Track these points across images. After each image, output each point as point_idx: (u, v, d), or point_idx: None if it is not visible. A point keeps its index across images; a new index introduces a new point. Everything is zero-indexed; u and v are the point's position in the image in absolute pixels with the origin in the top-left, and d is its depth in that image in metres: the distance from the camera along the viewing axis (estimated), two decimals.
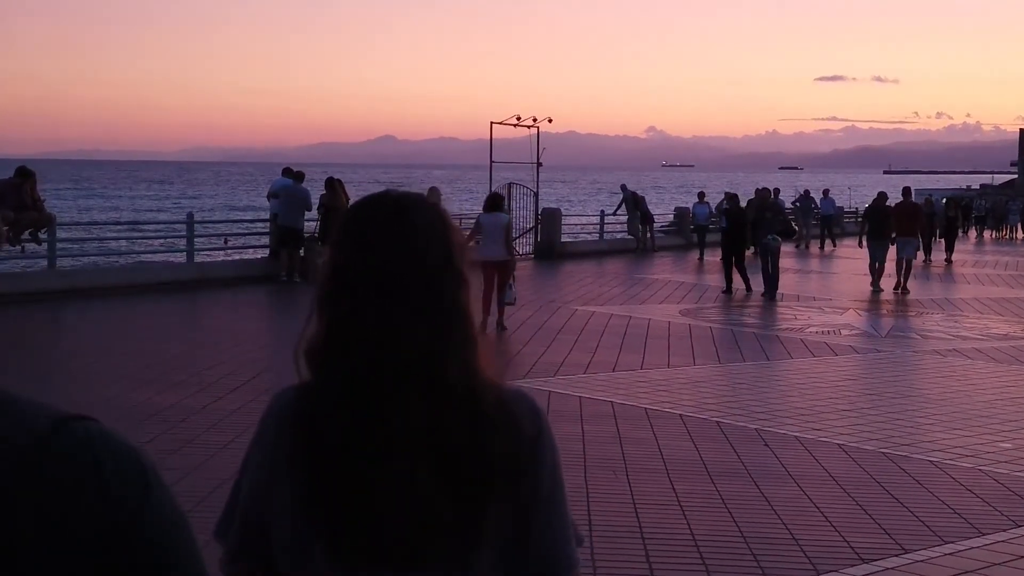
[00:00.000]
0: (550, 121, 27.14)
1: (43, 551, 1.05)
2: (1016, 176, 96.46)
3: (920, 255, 22.13)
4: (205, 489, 6.56)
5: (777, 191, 28.66)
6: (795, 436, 8.83)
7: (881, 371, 12.34)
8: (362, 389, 1.66)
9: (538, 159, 27.22)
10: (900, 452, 8.40)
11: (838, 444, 8.59)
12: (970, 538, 6.37)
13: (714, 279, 22.45)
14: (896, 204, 21.60)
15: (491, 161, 26.54)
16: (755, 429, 9.05)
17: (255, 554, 1.75)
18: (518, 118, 26.80)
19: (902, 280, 21.01)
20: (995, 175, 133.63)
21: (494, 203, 15.01)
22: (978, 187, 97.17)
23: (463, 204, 55.38)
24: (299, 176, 20.78)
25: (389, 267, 1.69)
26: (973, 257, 31.83)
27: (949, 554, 6.06)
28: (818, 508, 6.86)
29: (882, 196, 21.80)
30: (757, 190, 23.00)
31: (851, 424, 9.32)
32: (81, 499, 1.07)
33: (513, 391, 1.78)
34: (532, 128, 27.15)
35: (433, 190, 16.08)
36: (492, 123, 26.43)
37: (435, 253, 1.72)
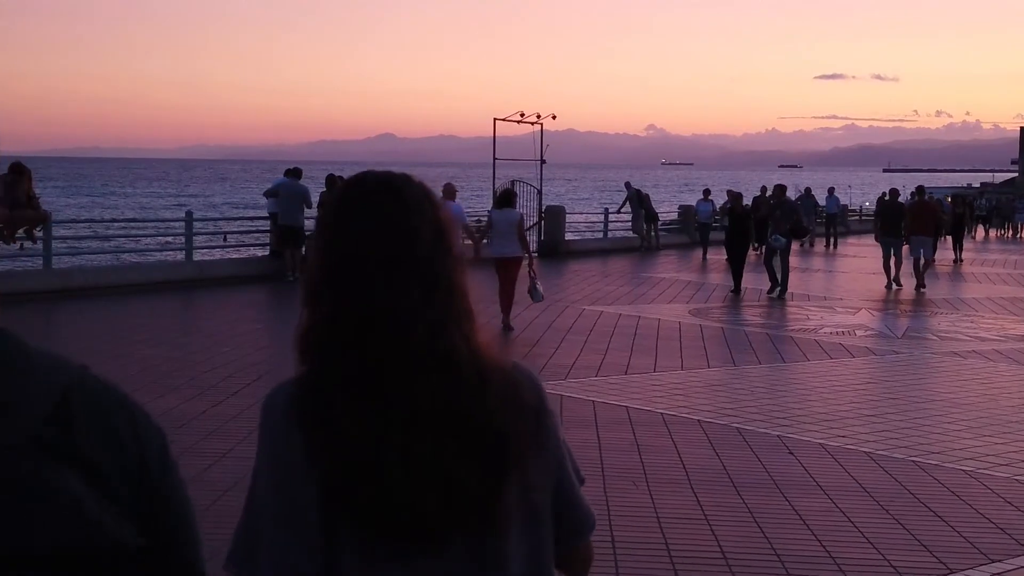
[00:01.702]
0: (554, 118, 26.81)
1: (85, 481, 1.17)
2: (1017, 174, 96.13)
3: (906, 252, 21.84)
4: (205, 501, 6.21)
5: (784, 188, 28.26)
6: (819, 443, 8.46)
7: (901, 374, 11.97)
8: (378, 372, 1.64)
9: (542, 156, 26.86)
10: (930, 460, 8.03)
11: (865, 452, 8.22)
12: (1016, 556, 6.00)
13: (720, 278, 22.11)
14: (911, 203, 21.27)
15: (494, 158, 26.17)
16: (777, 436, 8.69)
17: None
18: (522, 114, 26.44)
19: (918, 278, 21.01)
20: (996, 173, 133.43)
21: (505, 199, 14.70)
22: (978, 185, 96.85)
23: (468, 202, 55.04)
24: (296, 173, 20.46)
25: (388, 247, 1.68)
26: (981, 256, 31.47)
27: (997, 574, 5.70)
28: (852, 522, 6.49)
29: (895, 193, 21.50)
30: (775, 186, 22.50)
31: (877, 430, 8.94)
32: (116, 426, 1.23)
33: (511, 363, 1.77)
34: (535, 125, 26.82)
35: (448, 186, 15.68)
36: (496, 120, 26.07)
37: (427, 230, 1.71)
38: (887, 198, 21.67)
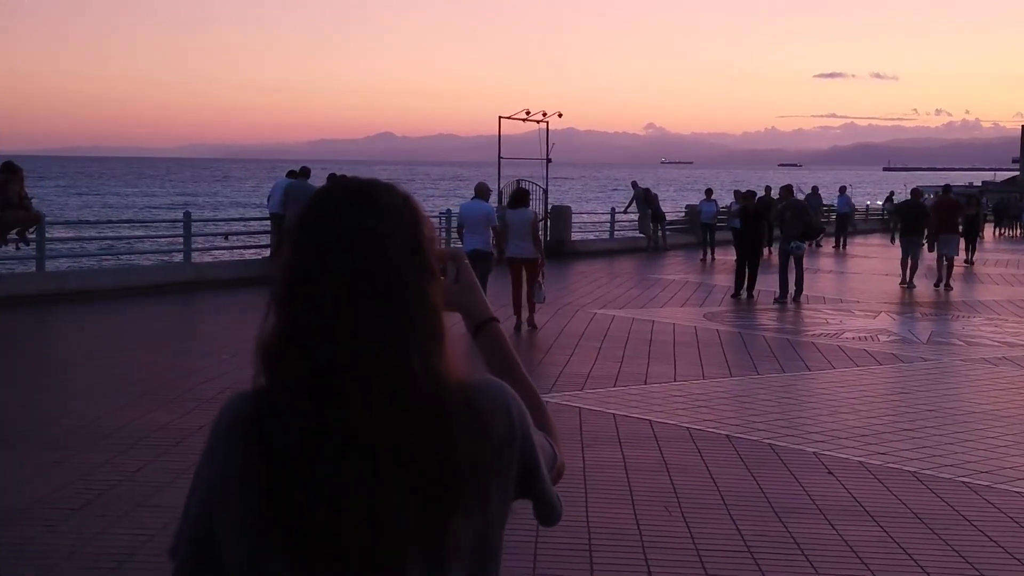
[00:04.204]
0: (560, 116, 26.29)
1: None
2: (1018, 173, 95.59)
3: (925, 252, 21.61)
4: None
5: (791, 188, 27.69)
6: (859, 461, 7.92)
7: (934, 383, 11.40)
8: (321, 388, 1.54)
9: (547, 155, 26.33)
10: (980, 481, 7.49)
11: (910, 471, 7.68)
12: None
13: (729, 279, 21.53)
14: (936, 201, 20.89)
15: (499, 157, 25.62)
16: (813, 453, 8.15)
17: (206, 571, 1.64)
18: (527, 113, 25.91)
19: (944, 277, 20.87)
20: (997, 172, 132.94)
21: (519, 199, 14.39)
22: (980, 184, 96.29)
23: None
24: (304, 173, 19.84)
25: (353, 258, 1.58)
26: (993, 256, 30.85)
27: None
28: (908, 554, 5.95)
29: (915, 193, 21.08)
30: (781, 187, 21.94)
31: (918, 447, 8.40)
32: None
33: (481, 385, 1.65)
34: (541, 123, 26.30)
35: (481, 185, 15.10)
36: (500, 118, 25.54)
37: (401, 242, 1.61)
38: (907, 198, 21.20)
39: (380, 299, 1.57)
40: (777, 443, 8.40)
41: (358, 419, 1.53)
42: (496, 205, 16.43)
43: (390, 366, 1.55)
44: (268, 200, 21.02)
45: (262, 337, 1.61)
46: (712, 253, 27.18)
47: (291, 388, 1.56)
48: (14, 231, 15.74)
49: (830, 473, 7.58)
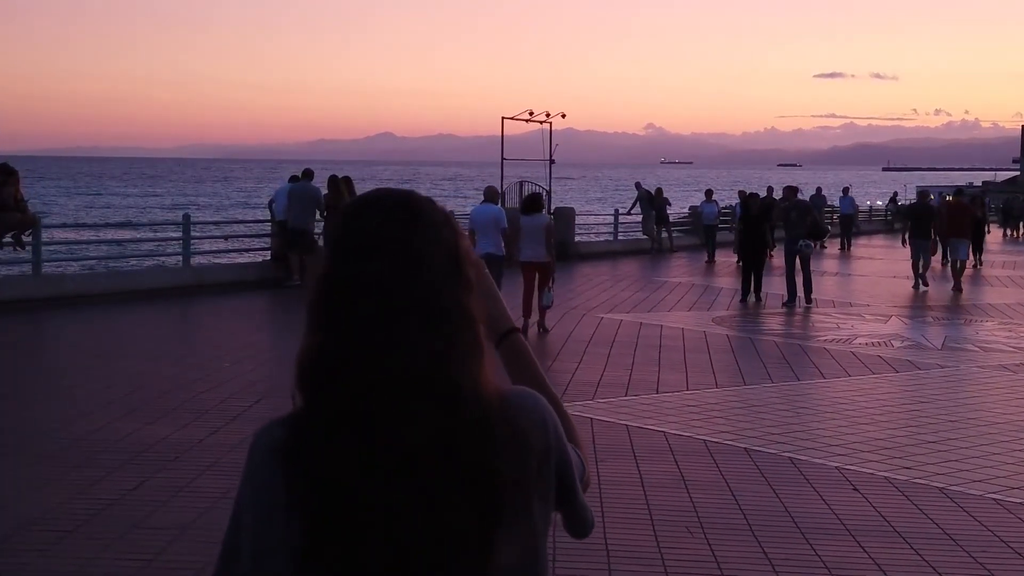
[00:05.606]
0: (564, 117, 26.04)
1: None
2: (1018, 172, 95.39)
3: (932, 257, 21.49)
4: (204, 556, 5.40)
5: (795, 189, 27.39)
6: (885, 477, 7.63)
7: (953, 391, 11.10)
8: (367, 406, 1.51)
9: (551, 156, 26.07)
10: (1012, 498, 7.20)
11: (938, 488, 7.38)
12: None
13: (735, 283, 21.24)
14: (947, 203, 20.72)
15: (502, 158, 25.35)
16: (836, 467, 7.85)
17: None
18: (531, 113, 25.64)
19: (954, 279, 20.77)
20: (997, 172, 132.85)
21: (533, 204, 14.35)
22: (980, 184, 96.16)
23: (471, 203, 54.02)
24: (308, 174, 19.53)
25: (392, 272, 1.55)
26: (1000, 258, 30.53)
27: None
28: None
29: (923, 195, 20.86)
30: (784, 188, 21.67)
31: (943, 460, 8.10)
32: None
33: (517, 398, 1.63)
34: (544, 124, 26.03)
35: (491, 189, 14.90)
36: (504, 119, 25.26)
37: (440, 256, 1.58)
38: (913, 199, 21.02)
39: (423, 315, 1.54)
40: (798, 457, 8.10)
41: (407, 439, 1.51)
42: (499, 207, 16.12)
43: (438, 384, 1.53)
44: (271, 206, 20.70)
45: (300, 356, 1.57)
46: (713, 255, 26.91)
47: (333, 408, 1.53)
48: (9, 234, 15.45)
49: (855, 489, 7.29)
